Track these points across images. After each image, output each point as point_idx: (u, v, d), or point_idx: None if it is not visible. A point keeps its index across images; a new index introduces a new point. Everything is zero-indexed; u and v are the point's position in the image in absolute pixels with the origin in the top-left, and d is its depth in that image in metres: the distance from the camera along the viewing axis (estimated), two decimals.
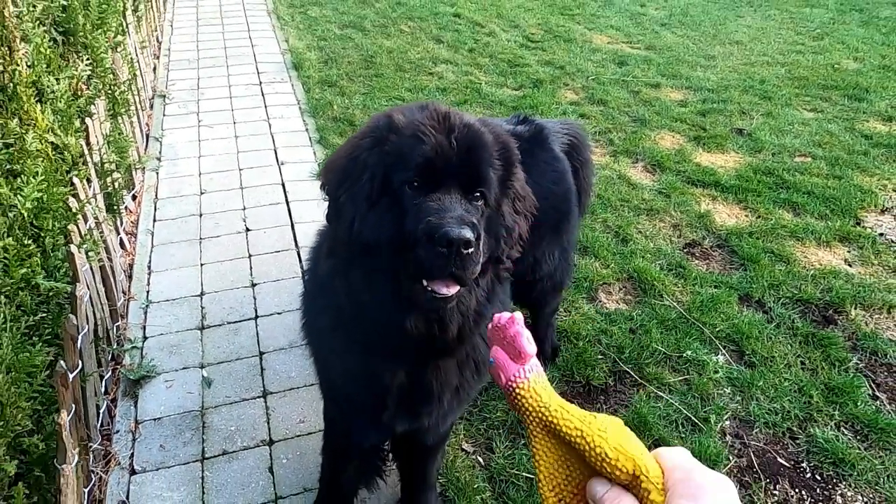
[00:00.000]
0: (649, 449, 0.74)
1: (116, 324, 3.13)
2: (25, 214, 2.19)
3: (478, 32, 7.65)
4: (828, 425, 2.86)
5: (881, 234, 4.21)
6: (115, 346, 3.03)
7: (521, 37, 7.58)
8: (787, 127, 5.63)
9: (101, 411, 2.66)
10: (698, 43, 7.70)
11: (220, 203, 4.25)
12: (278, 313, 3.37)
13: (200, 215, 4.12)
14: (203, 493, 2.47)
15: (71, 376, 2.06)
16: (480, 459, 2.68)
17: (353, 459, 2.26)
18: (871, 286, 3.69)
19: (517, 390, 0.86)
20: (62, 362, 1.96)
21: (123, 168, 3.80)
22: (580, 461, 0.74)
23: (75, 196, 2.70)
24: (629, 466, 0.68)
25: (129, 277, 3.55)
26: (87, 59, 3.38)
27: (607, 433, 0.71)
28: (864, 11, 9.12)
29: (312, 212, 4.14)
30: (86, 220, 2.82)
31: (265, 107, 5.58)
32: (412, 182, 1.49)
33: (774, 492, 2.60)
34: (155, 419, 2.76)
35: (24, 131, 2.36)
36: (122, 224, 3.78)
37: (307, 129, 5.24)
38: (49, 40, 2.89)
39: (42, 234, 2.35)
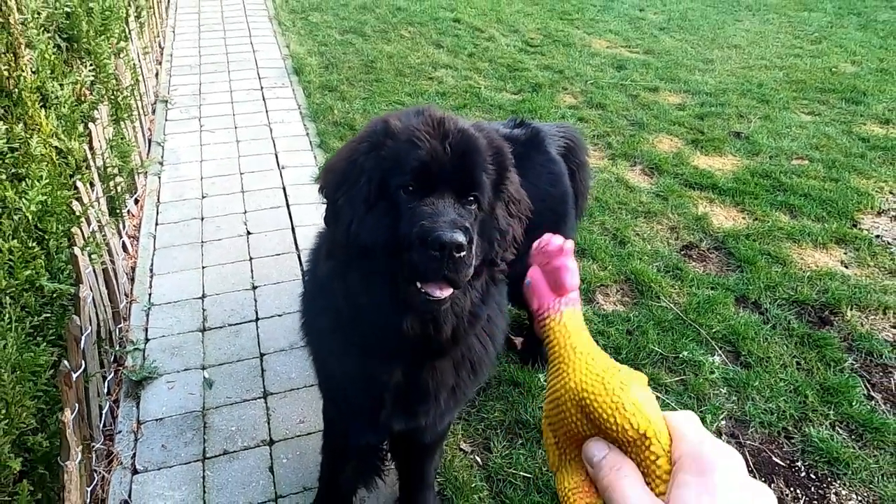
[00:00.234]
0: None
1: (119, 326, 3.17)
2: (30, 217, 2.23)
3: (477, 37, 7.70)
4: (823, 425, 2.89)
5: (877, 236, 4.24)
6: (117, 348, 3.07)
7: (521, 41, 7.63)
8: (785, 130, 5.66)
9: (104, 412, 2.69)
10: (697, 47, 7.75)
11: (221, 207, 4.30)
12: (279, 315, 3.41)
13: (202, 219, 4.16)
14: (204, 492, 2.50)
15: (74, 376, 2.09)
16: (478, 459, 2.70)
17: (352, 459, 2.29)
18: (867, 287, 3.72)
19: (547, 321, 0.83)
20: (65, 362, 2.00)
21: (126, 172, 3.84)
22: (588, 422, 0.70)
23: (79, 199, 2.74)
24: (642, 424, 0.64)
25: (132, 280, 3.59)
26: (91, 65, 3.43)
27: (628, 387, 0.68)
28: (862, 15, 9.17)
29: (313, 215, 4.18)
30: (89, 224, 2.86)
31: (266, 111, 5.63)
32: (407, 186, 1.53)
33: None
34: (157, 420, 2.80)
35: (28, 136, 2.40)
36: (124, 227, 3.82)
37: (308, 134, 5.28)
38: (53, 46, 2.93)
39: (46, 237, 2.39)
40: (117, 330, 3.13)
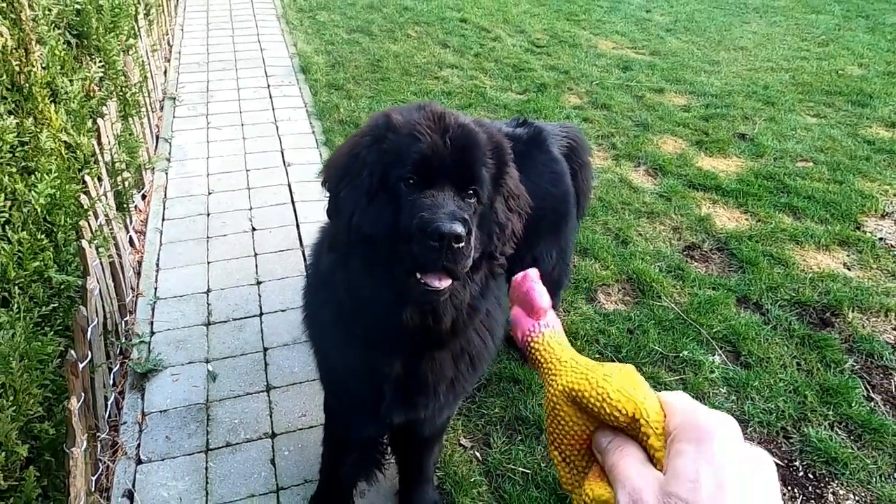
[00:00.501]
0: None
1: (125, 319, 3.21)
2: (39, 210, 2.27)
3: (484, 37, 7.72)
4: (822, 425, 2.90)
5: (881, 239, 4.24)
6: (123, 341, 3.11)
7: (527, 42, 7.65)
8: (790, 132, 5.66)
9: (110, 403, 2.73)
10: (703, 49, 7.75)
11: (227, 203, 4.34)
12: (282, 310, 3.44)
13: (208, 215, 4.21)
14: (207, 482, 2.54)
15: (81, 366, 2.13)
16: (478, 454, 2.73)
17: (353, 452, 2.32)
18: (869, 289, 3.72)
19: (532, 344, 0.85)
20: (72, 352, 2.04)
21: (133, 168, 3.88)
22: (585, 416, 0.71)
23: (87, 194, 2.78)
24: (629, 408, 0.65)
25: (138, 274, 3.63)
26: (100, 62, 3.47)
27: (612, 377, 0.69)
28: (870, 18, 9.14)
29: (317, 212, 4.21)
30: (97, 217, 2.90)
31: (273, 109, 5.67)
32: (408, 179, 1.56)
33: None
34: (161, 411, 2.84)
35: (38, 130, 2.44)
36: (131, 222, 3.87)
37: (314, 132, 5.32)
38: (63, 43, 2.98)
39: (55, 230, 2.43)
40: (123, 323, 3.17)
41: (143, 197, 4.30)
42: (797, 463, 2.75)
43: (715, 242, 4.17)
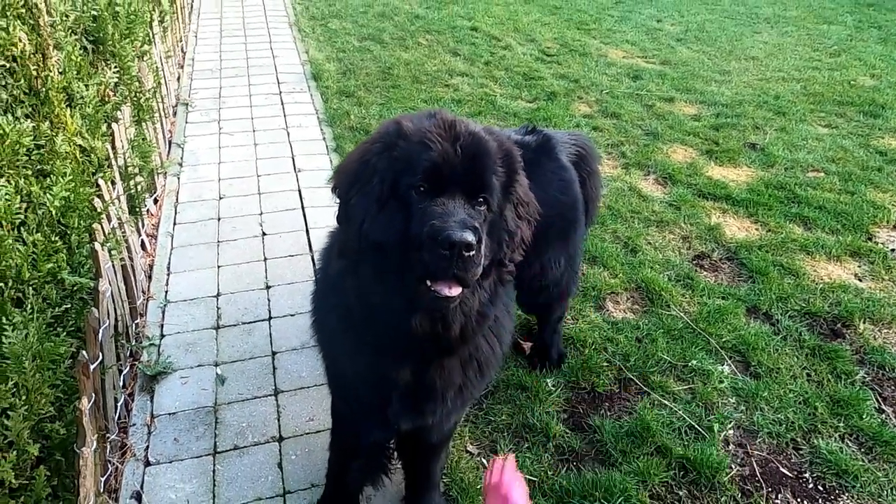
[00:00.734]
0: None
1: (135, 321, 3.24)
2: (53, 212, 2.30)
3: (494, 46, 7.76)
4: (832, 437, 2.87)
5: (893, 250, 4.21)
6: (133, 343, 3.13)
7: (537, 51, 7.68)
8: (801, 142, 5.64)
9: (119, 404, 2.75)
10: (714, 58, 7.74)
11: (238, 208, 4.37)
12: (291, 315, 3.46)
13: (219, 219, 4.24)
14: (214, 485, 2.55)
15: (92, 367, 2.15)
16: (485, 461, 2.72)
17: (360, 457, 2.32)
18: (881, 301, 3.69)
19: None
20: (83, 353, 2.06)
21: (146, 172, 3.92)
22: None
23: (100, 197, 2.81)
24: None
25: (149, 277, 3.66)
26: (115, 67, 3.52)
27: None
28: (883, 28, 9.11)
29: (327, 217, 4.23)
30: (109, 220, 2.93)
31: (284, 115, 5.72)
32: (419, 186, 1.57)
33: (776, 501, 2.62)
34: (170, 414, 2.85)
35: (54, 134, 2.47)
36: (143, 226, 3.90)
37: (324, 138, 5.36)
38: (80, 48, 3.02)
39: (68, 232, 2.46)
40: (134, 325, 3.20)
41: (156, 201, 4.34)
42: (807, 475, 2.72)
43: (725, 252, 4.15)
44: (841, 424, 2.93)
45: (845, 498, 2.63)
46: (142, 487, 2.52)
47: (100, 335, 2.24)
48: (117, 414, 2.72)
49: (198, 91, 6.13)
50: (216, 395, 2.97)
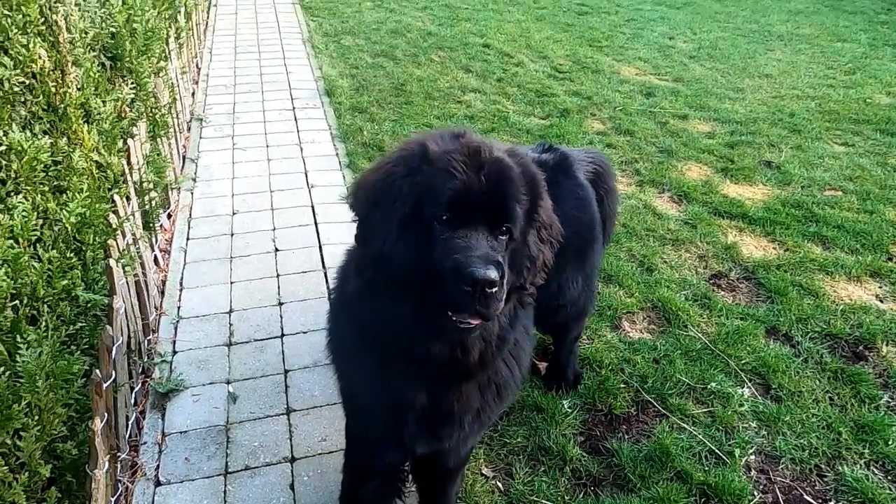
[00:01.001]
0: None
1: (148, 337, 3.22)
2: (69, 228, 2.29)
3: (506, 63, 7.77)
4: (857, 464, 2.80)
5: None
6: (145, 360, 3.11)
7: (550, 67, 7.68)
8: (817, 160, 5.59)
9: (130, 422, 2.72)
10: (727, 76, 7.72)
11: (251, 223, 4.37)
12: (304, 332, 3.43)
13: (232, 235, 4.23)
14: None
15: (105, 385, 2.13)
16: (500, 485, 2.67)
17: (374, 479, 2.28)
18: None
19: None
20: (97, 371, 2.03)
21: (160, 187, 3.93)
22: None
23: (115, 212, 2.81)
24: None
25: (162, 293, 3.65)
26: (132, 83, 3.53)
27: None
28: None
29: (340, 234, 4.22)
30: (124, 236, 2.92)
31: (297, 131, 5.73)
32: (442, 216, 1.54)
33: None
34: (181, 432, 2.82)
35: (71, 150, 2.47)
36: (156, 241, 3.90)
37: (337, 154, 5.36)
38: (98, 65, 3.03)
39: (83, 248, 2.44)
40: (146, 342, 3.18)
41: (169, 216, 4.34)
42: (832, 503, 2.64)
43: (742, 271, 4.09)
44: (866, 451, 2.85)
45: None
46: None
47: (113, 353, 2.22)
48: (128, 432, 2.69)
49: (212, 106, 6.16)
50: (228, 413, 2.94)
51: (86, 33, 2.92)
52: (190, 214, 4.42)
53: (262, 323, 3.49)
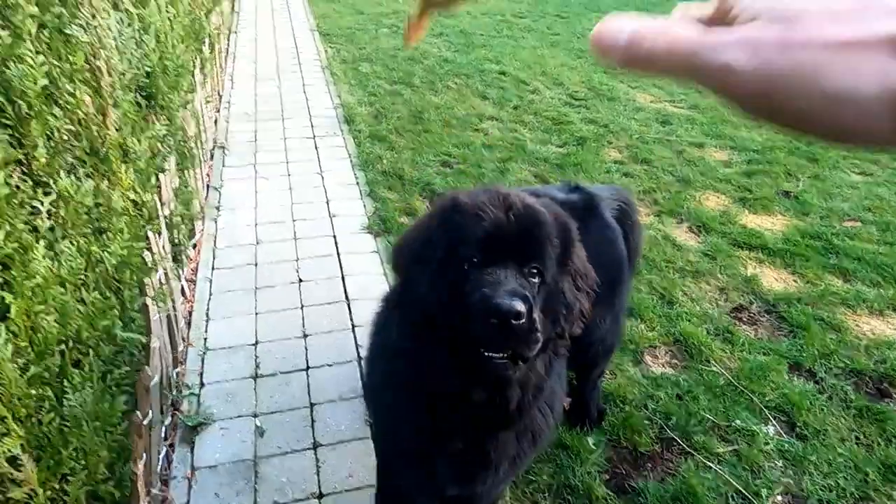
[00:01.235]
0: None
1: (176, 370, 3.26)
2: (110, 269, 2.35)
3: (522, 90, 7.86)
4: None
5: None
6: (175, 393, 3.15)
7: (565, 95, 7.76)
8: (835, 190, 5.59)
9: (161, 456, 2.76)
10: None
11: (274, 253, 4.43)
12: (329, 365, 3.47)
13: (256, 265, 4.29)
14: None
15: (144, 423, 2.17)
16: None
17: None
18: None
19: None
20: (138, 413, 2.08)
21: (188, 219, 4.00)
22: None
23: (149, 249, 2.87)
24: None
25: (188, 324, 3.71)
26: (164, 119, 3.62)
27: None
28: None
29: (363, 265, 4.27)
30: (156, 272, 2.99)
31: (318, 160, 5.82)
32: (472, 258, 1.59)
33: None
34: (210, 467, 2.85)
35: (111, 191, 2.53)
36: (183, 271, 3.96)
37: (357, 183, 5.43)
38: (134, 104, 3.11)
39: (121, 287, 2.50)
40: (175, 374, 3.23)
41: (194, 246, 4.41)
42: None
43: (763, 304, 4.09)
44: (895, 492, 2.83)
45: None
46: None
47: (151, 392, 2.26)
48: (160, 466, 2.73)
49: (234, 134, 6.27)
50: (256, 447, 2.97)
51: (124, 75, 3.00)
52: (215, 244, 4.49)
53: (287, 355, 3.53)
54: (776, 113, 0.46)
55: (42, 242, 1.81)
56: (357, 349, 3.57)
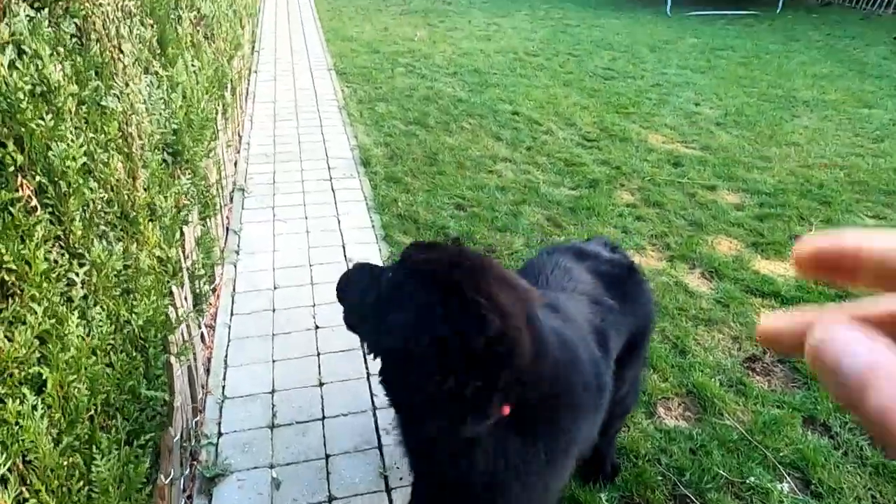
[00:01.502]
0: None
1: (196, 419, 3.33)
2: (136, 330, 2.43)
3: (535, 130, 7.98)
4: None
5: None
6: (193, 443, 3.21)
7: (578, 135, 7.87)
8: None
9: None
10: (754, 143, 7.82)
11: (291, 298, 4.51)
12: (344, 415, 3.52)
13: (273, 310, 4.38)
14: None
15: (166, 482, 2.23)
16: None
17: None
18: None
19: None
20: (161, 476, 2.14)
21: (208, 267, 4.10)
22: None
23: (173, 305, 2.96)
24: None
25: (207, 370, 3.78)
26: (188, 172, 3.74)
27: None
28: None
29: None
30: (179, 325, 3.07)
31: (335, 202, 5.94)
32: None
33: None
34: None
35: (139, 252, 2.63)
36: (203, 318, 4.05)
37: (373, 226, 5.54)
38: (161, 162, 3.22)
39: (147, 345, 2.58)
40: (194, 424, 3.29)
41: (213, 290, 4.51)
42: None
43: (776, 355, 4.10)
44: None
45: None
46: None
47: (174, 452, 2.33)
48: None
49: (253, 176, 6.43)
50: (272, 499, 3.01)
51: (152, 136, 3.12)
52: (234, 289, 4.59)
53: (303, 404, 3.59)
54: None
55: (76, 312, 1.90)
56: (372, 398, 3.62)
